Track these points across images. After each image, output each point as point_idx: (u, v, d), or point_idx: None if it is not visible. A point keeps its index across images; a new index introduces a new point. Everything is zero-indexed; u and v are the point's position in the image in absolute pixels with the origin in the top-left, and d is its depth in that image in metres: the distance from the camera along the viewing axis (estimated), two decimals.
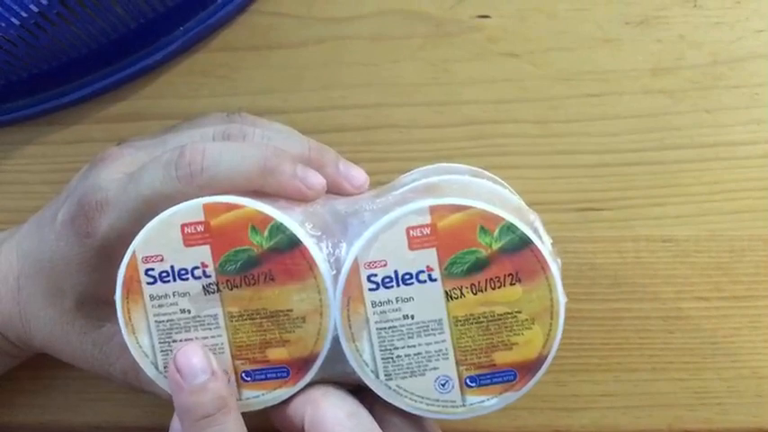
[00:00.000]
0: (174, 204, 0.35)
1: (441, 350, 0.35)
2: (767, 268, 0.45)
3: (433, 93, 0.45)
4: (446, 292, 0.35)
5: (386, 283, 0.35)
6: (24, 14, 0.40)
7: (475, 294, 0.35)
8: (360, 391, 0.36)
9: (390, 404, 0.36)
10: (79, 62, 0.45)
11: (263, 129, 0.41)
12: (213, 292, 0.35)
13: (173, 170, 0.36)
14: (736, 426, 0.46)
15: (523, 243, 0.34)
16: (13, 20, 0.40)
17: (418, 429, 0.37)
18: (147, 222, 0.35)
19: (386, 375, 0.36)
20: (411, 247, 0.35)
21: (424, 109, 0.46)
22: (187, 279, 0.35)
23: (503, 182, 0.41)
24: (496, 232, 0.34)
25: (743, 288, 0.45)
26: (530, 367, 0.35)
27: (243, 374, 0.36)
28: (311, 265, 0.35)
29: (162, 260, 0.35)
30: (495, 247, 0.34)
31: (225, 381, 0.36)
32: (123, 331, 0.36)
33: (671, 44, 0.45)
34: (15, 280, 0.40)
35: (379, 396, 0.36)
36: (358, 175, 0.40)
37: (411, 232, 0.35)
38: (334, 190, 0.40)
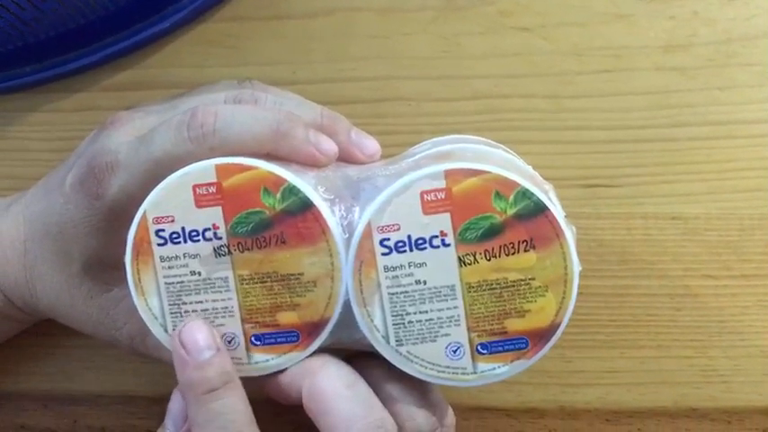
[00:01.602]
0: (186, 166, 0.35)
1: (453, 316, 0.35)
2: None
3: (444, 66, 0.45)
4: (459, 258, 0.35)
5: (399, 247, 0.35)
6: None
7: (488, 260, 0.35)
8: (369, 357, 0.36)
9: (398, 372, 0.36)
10: (86, 28, 0.44)
11: (274, 95, 0.40)
12: (224, 255, 0.35)
13: (184, 131, 0.36)
14: (742, 404, 0.46)
15: (538, 209, 0.34)
16: None
17: (422, 401, 0.36)
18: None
19: (396, 341, 0.35)
20: (425, 212, 0.34)
21: (434, 82, 0.45)
22: (198, 241, 0.35)
23: (515, 154, 0.41)
24: (512, 198, 0.34)
25: (752, 267, 0.45)
26: (542, 335, 0.35)
27: (252, 338, 0.36)
28: (323, 228, 0.35)
29: (173, 221, 0.35)
30: (510, 212, 0.34)
31: (228, 357, 0.35)
32: (133, 293, 0.36)
33: (684, 21, 0.44)
34: (22, 244, 0.40)
35: (389, 362, 0.36)
36: (370, 143, 0.40)
37: (425, 196, 0.34)
38: (345, 158, 0.39)
